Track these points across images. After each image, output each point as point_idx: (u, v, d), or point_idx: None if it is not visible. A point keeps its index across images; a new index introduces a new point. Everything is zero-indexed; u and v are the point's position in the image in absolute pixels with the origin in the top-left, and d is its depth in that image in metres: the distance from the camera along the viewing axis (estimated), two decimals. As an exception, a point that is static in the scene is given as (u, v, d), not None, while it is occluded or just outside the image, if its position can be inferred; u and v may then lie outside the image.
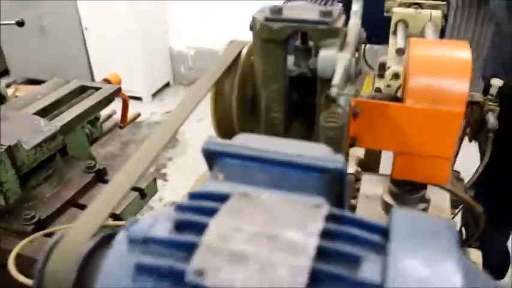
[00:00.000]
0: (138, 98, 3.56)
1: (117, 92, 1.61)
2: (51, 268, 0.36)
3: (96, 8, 3.37)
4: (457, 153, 1.17)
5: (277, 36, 0.57)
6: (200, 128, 2.32)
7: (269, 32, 0.57)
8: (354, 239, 0.29)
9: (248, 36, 0.64)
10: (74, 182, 1.27)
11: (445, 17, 1.07)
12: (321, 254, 0.27)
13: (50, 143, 1.23)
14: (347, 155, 0.63)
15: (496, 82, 0.99)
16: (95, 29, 3.47)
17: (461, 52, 0.58)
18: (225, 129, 0.67)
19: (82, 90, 1.56)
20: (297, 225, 0.29)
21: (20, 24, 2.10)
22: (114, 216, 1.15)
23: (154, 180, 1.36)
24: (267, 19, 0.57)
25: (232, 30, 3.65)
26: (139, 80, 3.46)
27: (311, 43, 0.62)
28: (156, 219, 0.31)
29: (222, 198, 0.33)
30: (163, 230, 0.30)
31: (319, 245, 0.28)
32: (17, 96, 1.74)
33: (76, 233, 0.36)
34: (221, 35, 3.74)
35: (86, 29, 3.50)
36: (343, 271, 0.26)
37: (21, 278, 0.72)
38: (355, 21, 0.63)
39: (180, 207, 0.32)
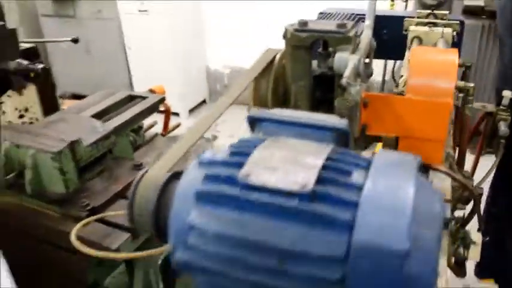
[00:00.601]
0: (176, 114, 3.78)
1: (162, 101, 1.79)
2: (139, 193, 0.52)
3: (139, 29, 3.64)
4: (476, 166, 1.29)
5: (304, 43, 0.74)
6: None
7: (298, 39, 0.74)
8: (349, 163, 0.44)
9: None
10: (122, 178, 1.44)
11: (459, 34, 1.21)
12: (325, 168, 0.43)
13: (104, 141, 1.41)
14: (358, 139, 0.78)
15: (507, 93, 1.12)
16: (137, 48, 3.74)
17: (449, 57, 0.73)
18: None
19: (130, 99, 1.76)
20: (310, 154, 0.45)
21: (75, 41, 2.34)
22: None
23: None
24: (296, 30, 0.74)
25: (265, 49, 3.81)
26: (177, 97, 3.68)
27: (330, 49, 0.79)
28: (216, 152, 0.47)
29: (261, 141, 0.49)
30: (222, 156, 0.47)
31: (324, 164, 0.43)
32: (63, 109, 1.96)
33: (155, 170, 0.53)
34: (255, 54, 3.96)
35: (129, 48, 3.77)
36: (339, 177, 0.42)
37: (85, 249, 0.86)
38: (367, 32, 0.79)
39: (232, 145, 0.48)
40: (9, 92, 1.78)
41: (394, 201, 0.39)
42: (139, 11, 3.56)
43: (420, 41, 1.17)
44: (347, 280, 0.39)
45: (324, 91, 0.80)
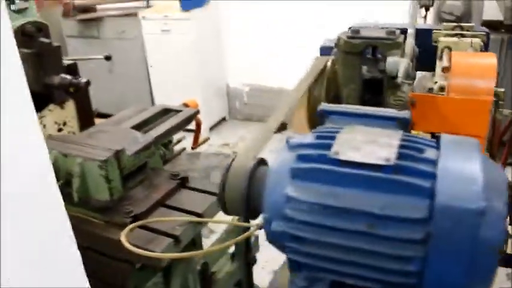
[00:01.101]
0: (197, 131, 3.88)
1: (196, 114, 1.87)
2: (230, 178, 0.60)
3: (161, 47, 3.76)
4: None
5: (356, 49, 0.82)
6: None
7: (351, 46, 0.82)
8: (420, 143, 0.51)
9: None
10: (162, 187, 1.50)
11: (485, 45, 1.28)
12: (402, 147, 0.50)
13: (145, 151, 1.48)
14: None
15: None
16: (159, 67, 3.86)
17: (488, 59, 0.80)
18: (314, 120, 0.92)
19: (165, 113, 1.83)
20: (386, 137, 0.53)
21: (108, 58, 2.45)
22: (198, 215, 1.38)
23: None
24: (349, 37, 0.82)
25: (284, 69, 3.93)
26: (197, 114, 3.76)
27: (378, 56, 0.87)
28: (304, 136, 0.55)
29: (340, 128, 0.56)
30: (309, 140, 0.54)
31: (399, 143, 0.51)
32: (96, 124, 2.04)
33: (242, 157, 0.61)
34: (273, 73, 4.07)
35: (151, 66, 3.89)
36: (415, 153, 0.49)
37: (133, 248, 0.89)
38: (410, 40, 0.87)
39: (316, 132, 0.56)
40: (51, 106, 1.87)
41: (466, 170, 0.46)
42: (162, 30, 3.68)
43: (450, 51, 1.24)
44: (430, 239, 0.45)
45: (373, 94, 0.88)
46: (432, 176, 0.47)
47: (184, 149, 2.13)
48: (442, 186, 0.46)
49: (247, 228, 0.63)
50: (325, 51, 1.26)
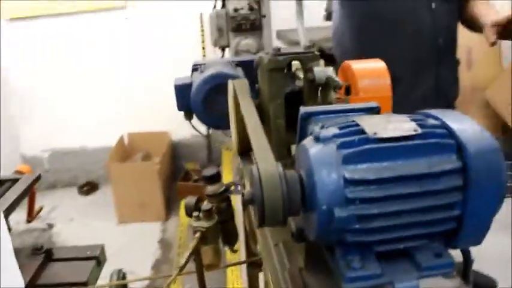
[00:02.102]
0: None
1: (38, 179, 1.66)
2: (266, 188, 0.59)
3: None
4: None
5: (280, 66, 0.91)
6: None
7: (275, 63, 0.90)
8: (420, 116, 0.63)
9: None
10: (26, 267, 1.31)
11: None
12: (413, 120, 0.60)
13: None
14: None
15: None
16: None
17: (378, 64, 0.99)
18: (244, 140, 0.96)
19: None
20: (393, 117, 0.62)
21: None
22: (83, 284, 1.25)
23: (103, 247, 1.48)
24: (273, 55, 0.90)
25: (83, 127, 3.76)
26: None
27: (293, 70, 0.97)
28: (326, 131, 0.60)
29: (347, 120, 0.63)
30: (334, 131, 0.60)
31: (410, 118, 0.61)
32: None
33: (264, 166, 0.61)
34: (73, 133, 3.84)
35: None
36: (425, 123, 0.60)
37: None
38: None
39: (327, 126, 0.62)
40: None
41: (471, 125, 0.59)
42: None
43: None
44: (468, 183, 0.56)
45: (292, 108, 0.97)
46: (451, 134, 0.58)
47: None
48: (464, 138, 0.57)
49: None
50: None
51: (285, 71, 0.97)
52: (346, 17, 1.85)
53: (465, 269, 0.81)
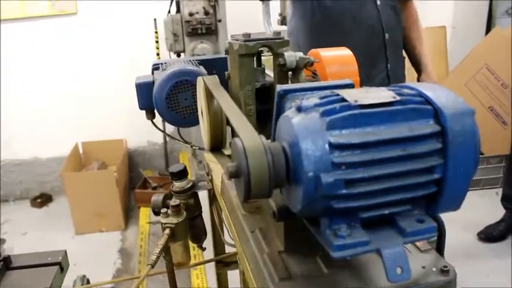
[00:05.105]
0: None
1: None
2: (252, 162, 0.58)
3: None
4: None
5: (251, 51, 0.91)
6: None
7: (246, 48, 0.90)
8: (396, 87, 0.64)
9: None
10: None
11: None
12: (390, 90, 0.62)
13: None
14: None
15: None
16: None
17: (345, 51, 1.01)
18: (216, 136, 0.95)
19: None
20: (372, 88, 0.63)
21: None
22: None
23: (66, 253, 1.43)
24: (244, 40, 0.90)
25: (34, 137, 3.62)
26: None
27: (263, 66, 0.97)
28: (307, 101, 0.60)
29: (327, 92, 0.64)
30: (315, 101, 0.60)
31: (387, 88, 0.62)
32: None
33: (247, 138, 0.61)
34: (24, 144, 3.68)
35: None
36: (402, 91, 0.61)
37: None
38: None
39: (308, 98, 0.62)
40: None
41: (445, 92, 0.61)
42: None
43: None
44: (446, 146, 0.58)
45: (263, 102, 0.98)
46: (427, 101, 0.60)
47: None
48: (440, 103, 0.59)
49: None
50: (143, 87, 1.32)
51: (255, 65, 0.97)
52: (299, 18, 1.90)
53: (439, 242, 0.83)
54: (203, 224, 1.34)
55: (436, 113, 0.59)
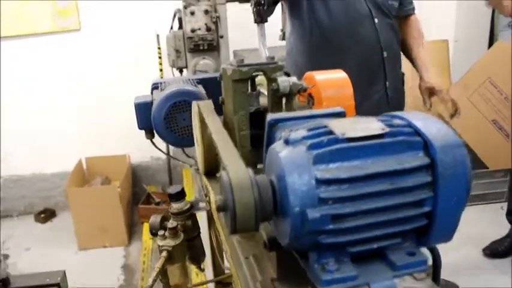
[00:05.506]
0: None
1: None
2: (237, 195, 0.58)
3: None
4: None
5: (244, 76, 0.91)
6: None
7: (239, 74, 0.90)
8: (386, 117, 0.64)
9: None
10: None
11: None
12: (380, 121, 0.61)
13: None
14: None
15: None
16: None
17: (340, 74, 1.01)
18: (209, 160, 0.95)
19: None
20: (362, 118, 0.63)
21: None
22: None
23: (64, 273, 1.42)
24: (237, 66, 0.90)
25: (36, 152, 3.65)
26: None
27: (258, 89, 0.97)
28: (295, 133, 0.60)
29: (317, 122, 0.63)
30: (303, 133, 0.59)
31: (377, 119, 0.61)
32: None
33: (234, 170, 0.60)
34: (26, 159, 3.70)
35: None
36: (392, 123, 0.61)
37: None
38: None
39: (296, 129, 0.62)
40: None
41: (437, 124, 0.61)
42: None
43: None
44: (436, 178, 0.57)
45: (257, 127, 0.97)
46: (416, 133, 0.59)
47: None
48: (429, 135, 0.58)
49: None
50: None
51: (249, 90, 0.97)
52: (297, 37, 1.91)
53: (435, 270, 0.82)
54: (201, 244, 1.33)
55: (426, 145, 0.59)
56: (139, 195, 3.89)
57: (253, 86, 0.98)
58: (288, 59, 2.00)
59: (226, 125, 0.97)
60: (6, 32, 3.56)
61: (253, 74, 0.93)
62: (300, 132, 0.61)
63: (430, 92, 2.00)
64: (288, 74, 1.90)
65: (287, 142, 0.59)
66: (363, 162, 0.57)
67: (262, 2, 1.06)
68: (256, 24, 1.38)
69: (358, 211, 0.56)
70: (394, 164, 0.57)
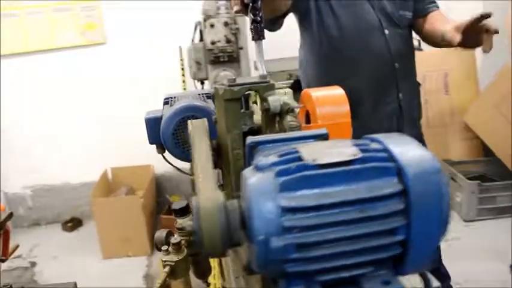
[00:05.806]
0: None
1: (10, 216, 1.64)
2: (203, 218, 0.58)
3: None
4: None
5: (236, 96, 0.90)
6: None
7: (231, 93, 0.90)
8: (364, 141, 0.62)
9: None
10: None
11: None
12: (355, 145, 0.60)
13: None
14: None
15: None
16: None
17: (337, 91, 0.99)
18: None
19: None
20: (338, 142, 0.61)
21: None
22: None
23: (75, 285, 1.45)
24: (229, 86, 0.90)
25: (63, 162, 3.74)
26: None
27: (252, 107, 0.97)
28: (265, 159, 0.59)
29: (290, 147, 0.62)
30: (274, 159, 0.59)
31: (352, 143, 0.60)
32: None
33: (204, 195, 0.60)
34: (54, 169, 3.81)
35: None
36: (367, 147, 0.59)
37: None
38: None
39: (269, 154, 0.61)
40: None
41: (416, 149, 0.59)
42: None
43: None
44: (409, 206, 0.55)
45: None
46: (391, 158, 0.58)
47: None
48: (403, 161, 0.56)
49: None
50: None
51: (243, 109, 0.97)
52: (308, 48, 1.90)
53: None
54: (207, 260, 1.33)
55: (400, 172, 0.57)
56: (163, 205, 3.94)
57: (247, 105, 0.98)
58: (300, 71, 1.99)
59: (221, 143, 0.97)
60: (35, 46, 3.69)
61: (246, 93, 0.93)
62: (271, 158, 0.60)
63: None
64: (299, 87, 1.89)
65: (257, 168, 0.59)
66: (331, 190, 0.55)
67: (259, 20, 1.05)
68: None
69: (326, 239, 0.55)
70: (364, 191, 0.55)
